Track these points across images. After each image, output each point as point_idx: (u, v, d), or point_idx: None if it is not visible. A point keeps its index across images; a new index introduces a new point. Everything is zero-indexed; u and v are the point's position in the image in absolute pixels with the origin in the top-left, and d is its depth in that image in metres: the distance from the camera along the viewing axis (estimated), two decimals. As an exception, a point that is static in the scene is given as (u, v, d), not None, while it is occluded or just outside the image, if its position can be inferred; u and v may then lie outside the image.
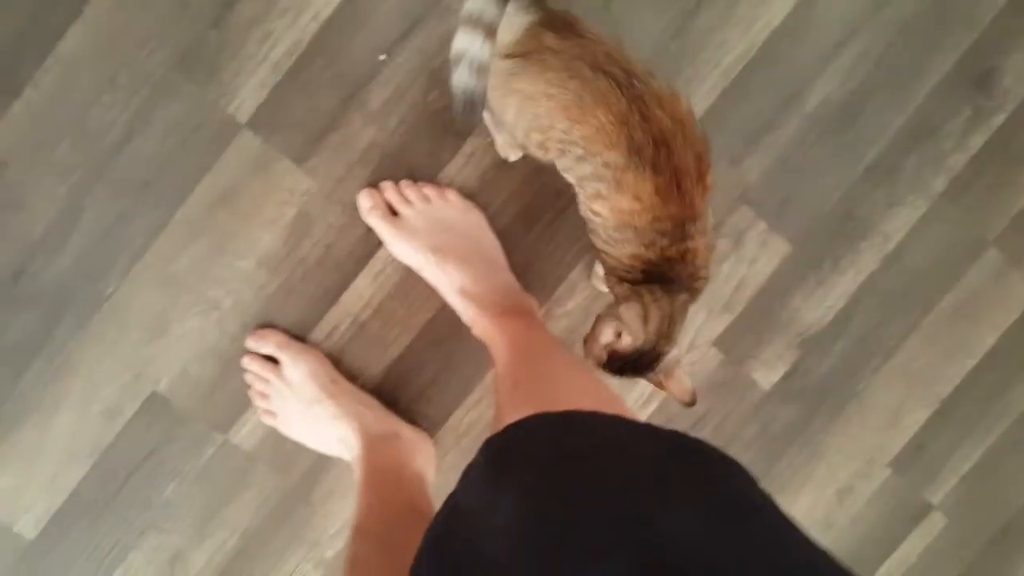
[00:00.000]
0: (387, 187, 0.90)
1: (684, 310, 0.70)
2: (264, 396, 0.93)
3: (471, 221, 0.91)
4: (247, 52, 0.86)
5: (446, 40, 0.87)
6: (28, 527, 0.94)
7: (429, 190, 0.90)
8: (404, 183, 0.91)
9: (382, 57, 0.88)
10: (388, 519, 0.77)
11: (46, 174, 0.86)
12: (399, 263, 0.91)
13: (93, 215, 0.88)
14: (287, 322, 0.93)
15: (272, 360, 0.92)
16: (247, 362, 0.92)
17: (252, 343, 0.92)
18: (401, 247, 0.89)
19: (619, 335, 0.68)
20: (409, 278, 0.92)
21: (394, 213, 0.90)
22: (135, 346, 0.91)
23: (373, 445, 0.88)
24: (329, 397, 0.90)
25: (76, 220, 0.88)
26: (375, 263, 0.93)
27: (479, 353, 0.88)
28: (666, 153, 0.64)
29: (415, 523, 0.76)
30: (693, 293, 0.71)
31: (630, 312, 0.67)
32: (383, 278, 0.93)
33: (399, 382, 0.97)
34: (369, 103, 0.89)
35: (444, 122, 0.90)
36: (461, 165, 0.92)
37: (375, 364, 0.96)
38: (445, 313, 0.92)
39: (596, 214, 0.70)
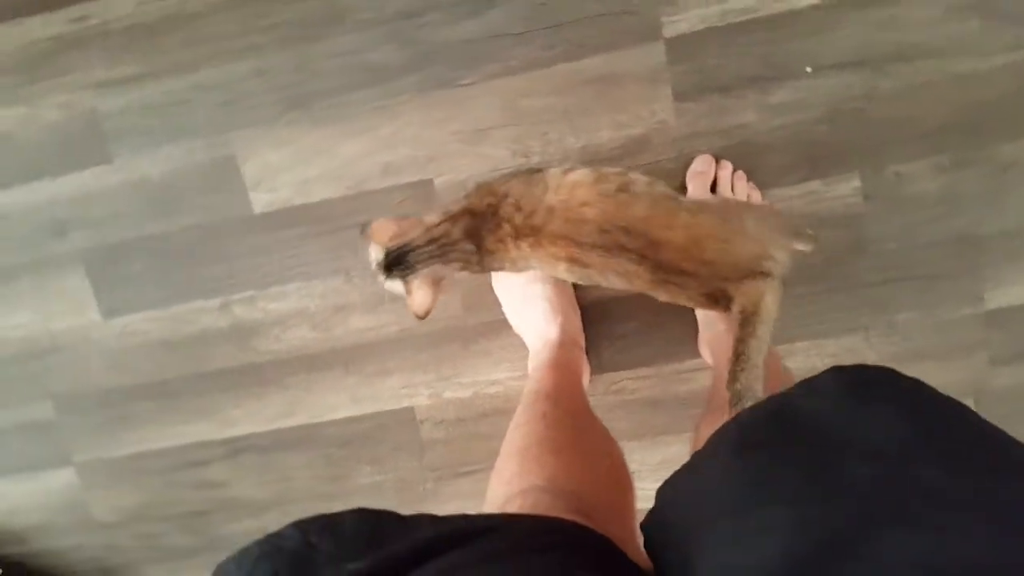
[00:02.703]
0: (726, 166, 0.95)
1: (463, 253, 0.73)
2: (500, 248, 0.99)
3: (764, 242, 0.96)
4: (714, -15, 0.90)
5: (872, 96, 0.91)
6: (260, 203, 1.03)
7: (756, 194, 0.95)
8: (739, 173, 0.95)
9: (808, 69, 0.91)
10: (575, 397, 0.86)
11: (492, -41, 0.93)
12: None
13: (498, 16, 0.94)
14: (563, 206, 0.99)
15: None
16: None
17: (527, 202, 0.98)
18: (695, 219, 0.94)
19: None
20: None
21: (712, 190, 0.95)
22: (455, 136, 0.98)
23: (567, 342, 0.94)
24: (551, 284, 0.97)
25: (483, 10, 0.94)
26: (664, 215, 0.98)
27: (679, 341, 0.99)
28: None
29: (590, 415, 0.84)
30: (472, 258, 0.74)
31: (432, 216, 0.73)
32: (660, 231, 0.98)
33: (602, 315, 1.03)
34: (769, 95, 0.93)
35: (813, 153, 0.94)
36: (792, 196, 0.96)
37: (594, 290, 1.01)
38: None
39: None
